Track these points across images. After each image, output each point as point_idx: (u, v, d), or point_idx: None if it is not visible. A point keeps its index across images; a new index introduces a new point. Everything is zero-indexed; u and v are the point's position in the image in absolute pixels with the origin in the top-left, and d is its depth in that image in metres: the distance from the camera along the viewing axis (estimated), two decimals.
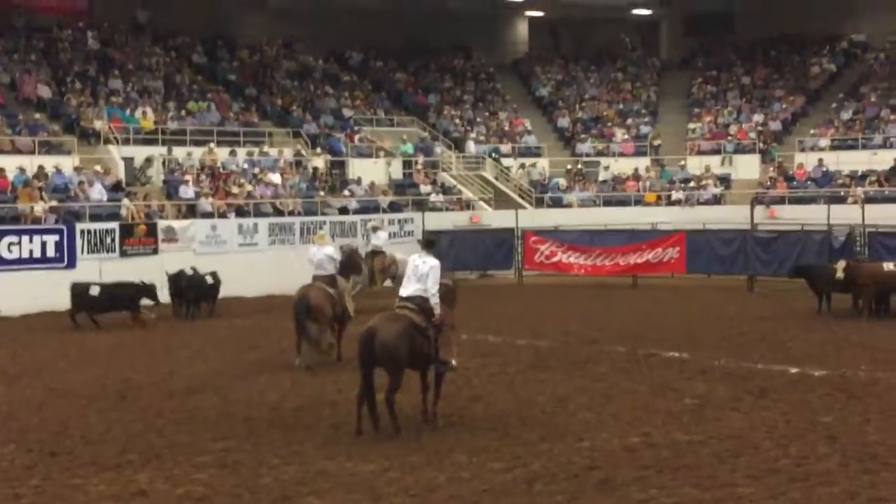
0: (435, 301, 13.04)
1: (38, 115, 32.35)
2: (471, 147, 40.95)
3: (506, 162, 40.88)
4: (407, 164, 38.45)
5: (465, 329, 21.53)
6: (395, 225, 33.25)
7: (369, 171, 36.76)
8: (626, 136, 42.95)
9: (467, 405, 14.49)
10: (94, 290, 23.43)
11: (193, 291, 25.07)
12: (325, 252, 18.57)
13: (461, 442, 12.44)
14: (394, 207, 34.79)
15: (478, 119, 43.80)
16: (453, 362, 13.30)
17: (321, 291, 18.02)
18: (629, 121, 44.17)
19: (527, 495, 10.34)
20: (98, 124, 32.76)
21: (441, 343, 13.10)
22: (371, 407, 12.84)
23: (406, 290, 13.22)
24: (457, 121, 43.11)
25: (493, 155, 40.88)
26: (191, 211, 30.46)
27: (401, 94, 44.47)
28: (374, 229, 27.07)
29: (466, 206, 37.35)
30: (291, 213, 31.95)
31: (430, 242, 14.29)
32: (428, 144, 40.04)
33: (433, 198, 36.63)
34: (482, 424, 13.32)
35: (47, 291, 25.35)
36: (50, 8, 38.81)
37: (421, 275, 13.13)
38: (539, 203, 38.22)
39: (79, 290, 23.50)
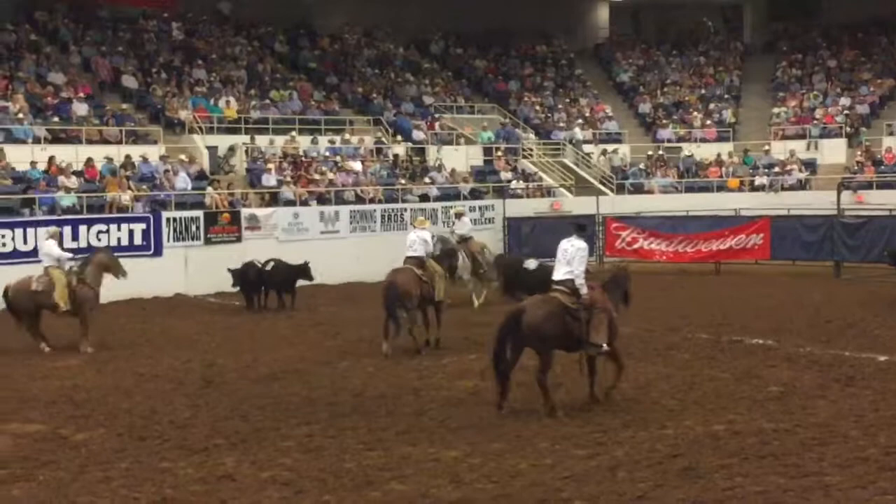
0: (580, 282, 13.16)
1: (124, 106, 32.89)
2: (578, 134, 40.76)
3: (586, 148, 40.63)
4: (487, 151, 38.39)
5: None
6: (476, 212, 33.22)
7: (449, 158, 36.76)
8: (708, 122, 42.45)
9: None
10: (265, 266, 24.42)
11: (266, 282, 24.94)
12: (420, 234, 18.88)
13: (543, 429, 12.42)
14: (474, 195, 34.78)
15: (558, 105, 43.58)
16: (604, 345, 13.33)
17: (409, 274, 18.20)
18: (711, 105, 43.64)
19: (610, 482, 10.29)
20: (183, 114, 33.22)
21: (592, 325, 13.16)
22: (502, 383, 13.07)
23: (557, 273, 13.43)
24: (537, 107, 42.95)
25: (574, 141, 40.66)
26: (273, 199, 30.76)
27: (481, 81, 44.41)
28: (458, 216, 26.85)
29: (547, 192, 37.20)
30: (372, 201, 32.10)
31: (582, 227, 14.31)
32: (509, 131, 39.93)
33: (514, 185, 36.55)
34: (565, 411, 13.27)
35: (134, 279, 25.75)
36: (136, 0, 39.40)
37: (569, 258, 13.35)
38: (620, 189, 37.94)
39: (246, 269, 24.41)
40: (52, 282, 18.98)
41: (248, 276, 24.68)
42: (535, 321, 12.94)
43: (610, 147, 40.94)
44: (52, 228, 21.49)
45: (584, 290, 13.21)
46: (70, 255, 20.06)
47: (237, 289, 24.88)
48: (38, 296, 18.98)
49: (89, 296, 19.26)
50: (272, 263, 24.84)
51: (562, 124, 41.93)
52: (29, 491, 10.46)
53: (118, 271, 19.94)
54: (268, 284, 24.80)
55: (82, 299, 19.12)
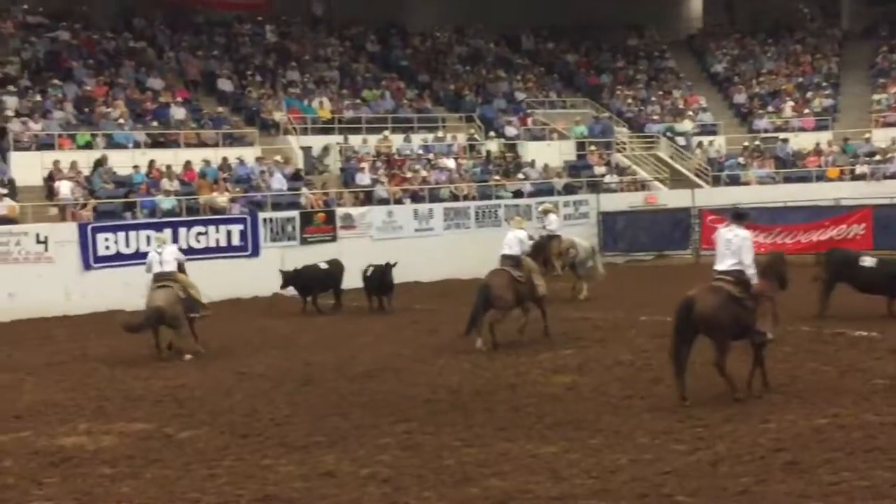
0: (752, 272, 13.13)
1: (220, 109, 33.41)
2: (686, 126, 40.40)
3: (681, 141, 40.17)
4: (580, 146, 38.19)
5: (644, 310, 21.39)
6: (570, 207, 33.08)
7: (542, 154, 36.65)
8: (805, 110, 41.68)
9: (648, 387, 14.34)
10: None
11: (318, 284, 24.76)
12: (516, 234, 18.98)
13: (642, 423, 12.32)
14: (568, 189, 34.63)
15: (651, 98, 43.17)
16: (770, 334, 13.33)
17: (504, 278, 18.27)
18: (809, 94, 42.83)
19: (711, 477, 10.16)
20: (277, 115, 33.63)
21: (759, 314, 13.19)
22: (680, 375, 13.10)
23: (721, 264, 13.34)
24: (630, 100, 42.60)
25: (668, 134, 40.26)
26: (367, 198, 30.98)
27: (573, 76, 44.19)
28: (546, 213, 26.55)
29: (641, 186, 36.90)
30: (466, 198, 32.14)
31: (741, 215, 14.07)
32: (603, 125, 39.67)
33: (608, 179, 36.31)
34: (664, 406, 13.15)
35: (233, 279, 26.18)
36: (230, 4, 40.00)
37: (735, 248, 13.22)
38: (716, 181, 37.45)
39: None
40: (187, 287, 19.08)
41: (301, 278, 24.55)
42: (706, 311, 12.96)
43: (705, 139, 40.42)
44: (160, 235, 21.53)
45: (754, 280, 13.14)
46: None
47: (289, 290, 24.86)
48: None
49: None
50: (325, 265, 24.87)
51: (655, 117, 41.53)
52: (137, 488, 10.67)
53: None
54: (324, 284, 24.74)
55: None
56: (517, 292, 18.31)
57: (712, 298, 13.04)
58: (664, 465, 10.62)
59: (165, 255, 19.10)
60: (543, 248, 22.81)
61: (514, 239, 18.79)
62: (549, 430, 12.27)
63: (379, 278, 23.68)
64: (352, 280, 25.20)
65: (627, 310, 21.80)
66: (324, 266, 24.79)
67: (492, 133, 37.16)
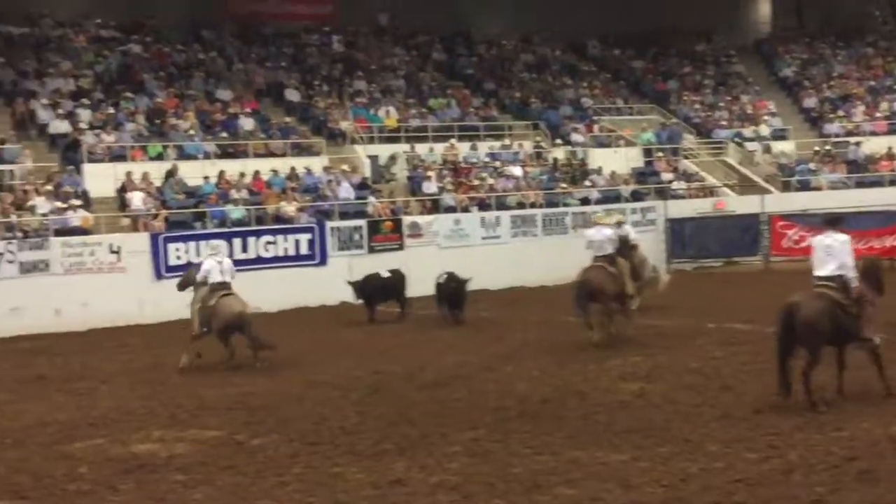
0: (853, 275, 13.11)
1: (288, 119, 33.72)
2: (764, 130, 40.06)
3: (750, 146, 39.77)
4: (647, 153, 37.98)
5: (713, 317, 21.21)
6: (638, 213, 32.89)
7: (609, 161, 36.49)
8: (877, 114, 41.06)
9: (718, 394, 14.22)
10: None
11: (379, 293, 24.81)
12: (605, 234, 19.20)
13: (713, 432, 12.22)
14: (635, 196, 34.45)
15: (719, 103, 42.79)
16: (876, 339, 13.26)
17: (602, 271, 18.66)
18: (881, 97, 42.19)
19: (784, 486, 10.05)
20: (344, 125, 33.86)
21: (864, 319, 13.14)
22: (784, 378, 13.05)
23: (822, 270, 13.30)
24: (697, 106, 42.27)
25: (736, 139, 39.89)
26: (434, 206, 31.07)
27: (640, 82, 43.96)
28: (619, 224, 25.94)
29: (709, 192, 36.58)
30: (533, 205, 32.11)
31: (836, 220, 14.00)
32: (672, 131, 39.41)
33: (675, 185, 36.06)
34: (734, 413, 13.03)
35: (301, 288, 26.39)
36: (297, 15, 40.35)
37: (836, 253, 13.20)
38: (786, 187, 37.02)
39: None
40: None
41: (368, 288, 24.62)
42: (811, 317, 12.88)
43: (774, 144, 39.99)
44: (214, 243, 21.65)
45: (854, 283, 13.08)
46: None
47: (359, 301, 24.71)
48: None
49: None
50: (387, 274, 24.89)
51: (723, 122, 41.16)
52: (209, 495, 10.80)
53: None
54: (388, 293, 24.80)
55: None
56: (615, 286, 18.69)
57: (816, 304, 12.95)
58: (735, 473, 10.53)
59: (226, 264, 19.17)
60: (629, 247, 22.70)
61: (605, 239, 19.11)
62: (619, 437, 12.21)
63: (453, 293, 23.29)
64: (420, 288, 25.30)
65: (696, 317, 21.62)
66: (385, 275, 24.85)
67: (558, 140, 37.08)
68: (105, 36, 35.32)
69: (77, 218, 25.87)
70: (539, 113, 38.30)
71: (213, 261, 19.09)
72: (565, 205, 32.65)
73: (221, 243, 22.81)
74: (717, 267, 32.82)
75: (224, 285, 18.79)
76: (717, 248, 33.09)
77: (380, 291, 24.66)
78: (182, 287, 19.93)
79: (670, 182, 36.13)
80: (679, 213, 33.65)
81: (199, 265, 19.86)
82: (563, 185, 33.80)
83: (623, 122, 39.67)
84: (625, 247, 20.93)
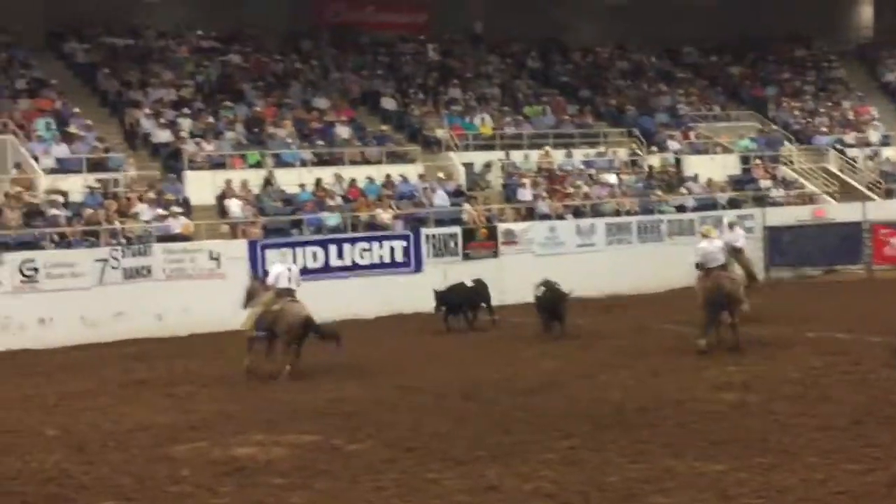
0: None
1: (384, 127, 33.99)
2: (873, 135, 39.39)
3: (851, 153, 39.04)
4: (745, 160, 37.50)
5: (812, 326, 20.89)
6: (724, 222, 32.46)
7: (706, 168, 36.11)
8: None
9: (817, 405, 14.01)
10: None
11: (463, 302, 24.62)
12: (717, 245, 19.58)
13: (812, 443, 12.03)
14: (732, 204, 34.03)
15: (819, 109, 42.07)
16: None
17: (728, 279, 19.28)
18: None
19: (888, 499, 9.86)
20: (439, 132, 34.00)
21: None
22: None
23: None
24: (796, 112, 41.60)
25: (837, 146, 39.18)
26: (529, 213, 31.05)
27: (737, 88, 43.41)
28: (731, 225, 25.33)
29: (809, 199, 35.98)
30: (628, 213, 31.92)
31: None
32: (773, 138, 38.85)
33: (773, 193, 35.54)
34: (834, 424, 12.82)
35: (397, 294, 26.59)
36: (393, 24, 40.68)
37: None
38: (889, 194, 36.24)
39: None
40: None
41: (453, 297, 24.47)
42: None
43: (880, 151, 39.20)
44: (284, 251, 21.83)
45: None
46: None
47: (440, 310, 24.45)
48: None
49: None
50: (471, 283, 24.74)
51: (824, 129, 40.46)
52: (307, 499, 10.94)
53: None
54: (474, 302, 24.68)
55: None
56: (741, 293, 19.23)
57: None
58: (836, 485, 10.36)
59: (294, 271, 19.27)
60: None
61: (718, 250, 19.44)
62: (715, 447, 12.09)
63: (552, 306, 22.55)
64: (515, 296, 25.33)
65: (795, 326, 21.32)
66: (469, 285, 24.80)
67: (654, 147, 36.81)
68: (205, 46, 35.99)
69: (178, 225, 26.38)
70: (634, 120, 38.06)
71: (284, 267, 19.25)
72: (660, 212, 32.40)
73: (315, 250, 22.92)
74: (817, 275, 32.28)
75: (289, 292, 18.84)
76: (816, 256, 32.54)
77: (465, 301, 24.66)
78: (247, 302, 19.87)
79: (768, 189, 35.62)
80: (778, 220, 33.17)
81: (261, 278, 20.24)
82: (659, 192, 33.54)
83: (720, 129, 39.21)
84: (736, 253, 21.41)
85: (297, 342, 18.61)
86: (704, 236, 20.11)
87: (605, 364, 18.34)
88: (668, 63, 44.06)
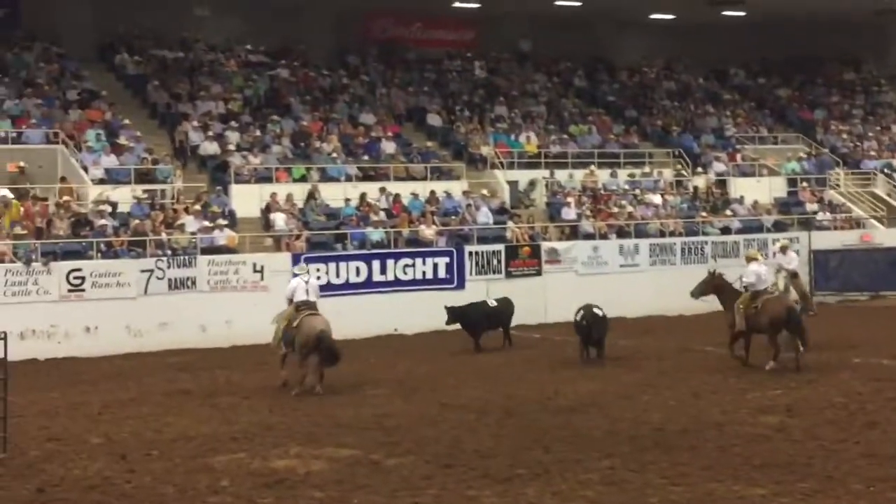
0: None
1: (429, 143, 34.11)
2: None
3: None
4: (792, 182, 37.25)
5: (858, 352, 20.69)
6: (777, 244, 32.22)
7: (752, 190, 35.91)
8: None
9: (862, 431, 13.86)
10: None
11: (484, 322, 24.13)
12: (765, 268, 20.33)
13: (856, 469, 11.91)
14: (778, 227, 33.80)
15: (868, 133, 41.73)
16: None
17: (790, 300, 20.17)
18: None
19: None
20: (484, 150, 34.06)
21: None
22: None
23: None
24: (845, 136, 41.28)
25: (886, 170, 38.83)
26: (573, 232, 31.00)
27: (785, 111, 43.17)
28: (783, 249, 24.91)
29: (856, 224, 35.68)
30: (672, 234, 31.80)
31: None
32: (823, 161, 38.57)
33: (820, 216, 35.27)
34: (880, 451, 12.68)
35: (438, 311, 26.56)
36: (440, 41, 40.86)
37: None
38: None
39: None
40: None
41: (472, 316, 23.98)
42: None
43: None
44: (302, 265, 21.69)
45: None
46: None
47: (454, 326, 24.15)
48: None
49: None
50: (495, 302, 24.41)
51: (872, 153, 40.13)
52: None
53: None
54: (493, 322, 24.22)
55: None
56: None
57: None
58: None
59: (312, 284, 19.21)
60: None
61: (764, 272, 19.99)
62: (757, 471, 11.99)
63: (588, 331, 21.72)
64: (557, 314, 25.26)
65: (839, 351, 21.12)
66: (493, 304, 24.50)
67: (699, 168, 36.67)
68: (254, 61, 36.33)
69: (223, 237, 26.57)
70: (680, 141, 37.93)
71: (300, 279, 19.11)
72: (705, 234, 32.24)
73: (358, 264, 22.91)
74: (863, 301, 31.97)
75: (308, 304, 18.75)
76: (863, 281, 32.24)
77: (484, 320, 24.17)
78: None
79: (815, 213, 35.35)
80: (824, 244, 32.91)
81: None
82: (704, 213, 33.38)
83: (766, 152, 39.01)
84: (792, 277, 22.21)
85: (306, 356, 18.37)
86: (752, 259, 20.12)
87: (646, 385, 18.26)
88: (716, 84, 43.91)
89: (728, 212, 34.00)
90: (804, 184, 36.90)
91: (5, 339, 13.67)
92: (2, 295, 23.53)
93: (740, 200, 34.89)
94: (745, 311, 19.40)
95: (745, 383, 17.89)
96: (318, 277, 25.72)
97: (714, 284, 20.79)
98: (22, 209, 25.40)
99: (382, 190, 30.11)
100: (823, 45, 44.23)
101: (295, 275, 19.88)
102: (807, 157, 38.78)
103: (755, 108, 42.92)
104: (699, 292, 21.00)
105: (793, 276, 23.08)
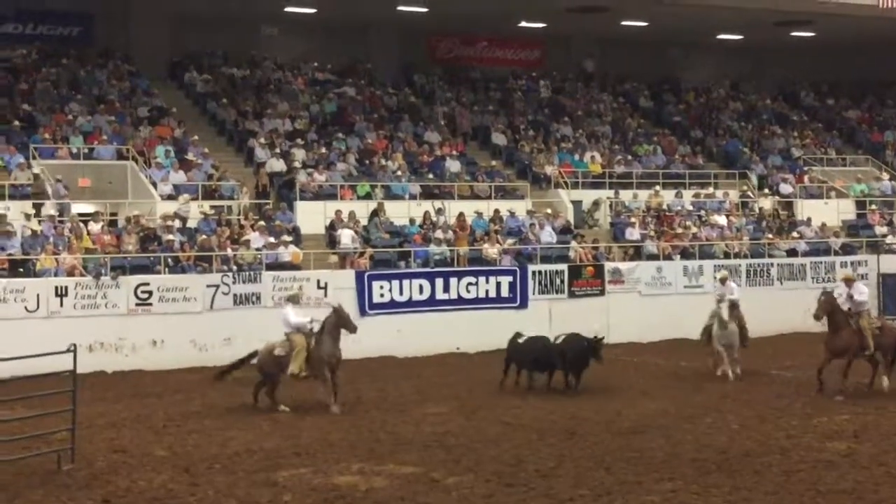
0: None
1: (494, 162, 34.15)
2: None
3: None
4: (860, 205, 36.75)
5: None
6: (848, 268, 31.78)
7: (819, 212, 35.47)
8: None
9: None
10: None
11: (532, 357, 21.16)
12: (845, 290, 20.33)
13: None
14: (846, 250, 33.35)
15: None
16: None
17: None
18: None
19: None
20: (549, 169, 34.02)
21: None
22: None
23: None
24: None
25: None
26: (637, 253, 30.84)
27: (854, 132, 42.62)
28: (723, 280, 23.95)
29: None
30: (737, 255, 31.51)
31: None
32: (890, 184, 38.01)
33: (889, 239, 34.72)
34: None
35: (501, 330, 26.52)
36: (505, 60, 40.96)
37: None
38: None
39: None
40: (292, 347, 18.99)
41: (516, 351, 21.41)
42: None
43: None
44: (293, 293, 21.74)
45: None
46: (307, 321, 19.37)
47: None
48: (281, 360, 19.03)
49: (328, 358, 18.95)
50: (563, 338, 21.15)
51: None
52: None
53: (349, 327, 19.46)
54: (542, 364, 20.98)
55: (318, 362, 18.87)
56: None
57: None
58: None
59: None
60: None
61: (845, 294, 20.24)
62: (823, 498, 11.87)
63: (576, 356, 20.41)
64: (621, 335, 25.14)
65: None
66: (555, 341, 21.20)
67: (766, 190, 36.31)
68: (321, 79, 36.67)
69: (288, 253, 26.76)
70: (747, 162, 37.61)
71: (305, 319, 19.32)
72: (771, 256, 31.91)
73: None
74: None
75: (289, 334, 19.15)
76: None
77: (533, 359, 21.13)
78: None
79: (884, 236, 34.82)
80: (893, 268, 32.40)
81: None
82: (770, 235, 33.04)
83: (835, 174, 38.53)
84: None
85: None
86: (851, 280, 20.93)
87: (710, 407, 18.13)
88: (784, 105, 43.49)
89: (795, 234, 33.63)
90: (873, 206, 36.39)
91: (75, 351, 13.91)
92: (72, 308, 23.90)
93: (807, 223, 34.49)
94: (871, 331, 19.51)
95: (811, 408, 17.70)
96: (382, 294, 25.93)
97: (831, 304, 20.08)
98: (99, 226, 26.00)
99: (440, 210, 29.81)
100: (893, 67, 43.63)
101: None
102: (876, 180, 38.16)
103: (823, 129, 42.42)
104: (822, 312, 20.10)
105: (732, 306, 22.52)
